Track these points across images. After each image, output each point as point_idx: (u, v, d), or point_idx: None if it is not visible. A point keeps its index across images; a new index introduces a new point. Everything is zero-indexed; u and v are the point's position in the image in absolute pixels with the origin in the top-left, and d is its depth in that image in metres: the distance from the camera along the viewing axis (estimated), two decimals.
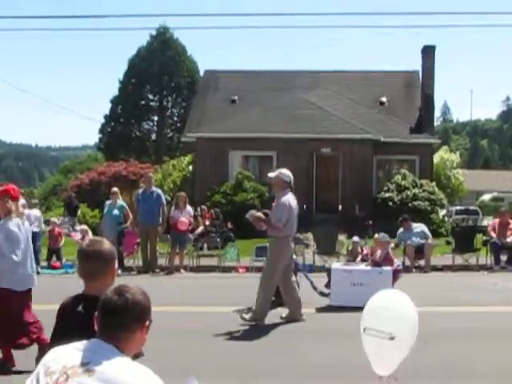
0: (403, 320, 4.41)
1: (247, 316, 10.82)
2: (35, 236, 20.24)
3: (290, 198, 10.98)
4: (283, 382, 7.84)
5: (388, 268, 12.57)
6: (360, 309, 11.97)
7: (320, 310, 11.87)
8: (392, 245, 20.38)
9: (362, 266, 13.15)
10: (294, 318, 11.09)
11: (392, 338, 4.25)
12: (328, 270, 13.28)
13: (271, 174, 11.40)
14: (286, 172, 11.23)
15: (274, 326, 10.83)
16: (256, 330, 10.51)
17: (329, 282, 12.89)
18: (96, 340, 3.37)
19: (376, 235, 14.64)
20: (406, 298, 4.61)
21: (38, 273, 20.06)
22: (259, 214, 11.51)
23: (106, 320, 3.39)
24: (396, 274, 12.75)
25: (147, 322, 3.45)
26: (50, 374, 3.22)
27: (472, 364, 8.26)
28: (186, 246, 20.06)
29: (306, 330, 10.61)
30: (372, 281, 11.95)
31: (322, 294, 12.74)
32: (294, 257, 12.22)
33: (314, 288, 12.15)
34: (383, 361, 4.43)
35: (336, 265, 13.81)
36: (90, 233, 21.60)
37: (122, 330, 3.36)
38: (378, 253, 13.49)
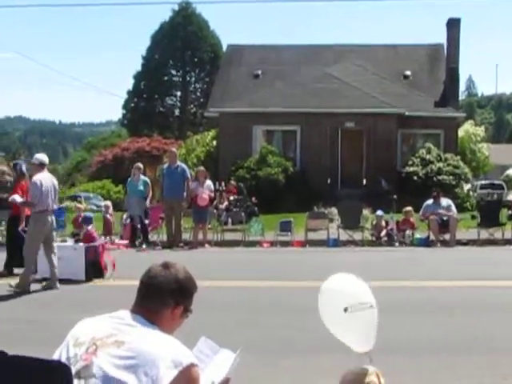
0: (366, 291, 4.40)
1: (13, 283, 11.85)
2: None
3: (40, 177, 12.12)
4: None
5: (81, 244, 13.54)
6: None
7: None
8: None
9: (63, 243, 13.86)
10: (50, 286, 12.19)
11: (372, 306, 4.28)
12: None
13: None
14: (37, 156, 12.63)
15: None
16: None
17: None
18: (125, 311, 3.38)
19: None
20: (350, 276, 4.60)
21: None
22: (19, 199, 12.91)
23: (143, 289, 3.42)
24: (98, 250, 13.67)
25: (181, 307, 3.43)
26: (79, 345, 3.23)
27: (493, 338, 8.16)
28: (207, 221, 20.08)
29: None
30: (67, 255, 13.09)
31: None
32: None
33: None
34: (366, 335, 4.38)
35: None
36: (111, 209, 21.56)
37: (155, 302, 3.36)
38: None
